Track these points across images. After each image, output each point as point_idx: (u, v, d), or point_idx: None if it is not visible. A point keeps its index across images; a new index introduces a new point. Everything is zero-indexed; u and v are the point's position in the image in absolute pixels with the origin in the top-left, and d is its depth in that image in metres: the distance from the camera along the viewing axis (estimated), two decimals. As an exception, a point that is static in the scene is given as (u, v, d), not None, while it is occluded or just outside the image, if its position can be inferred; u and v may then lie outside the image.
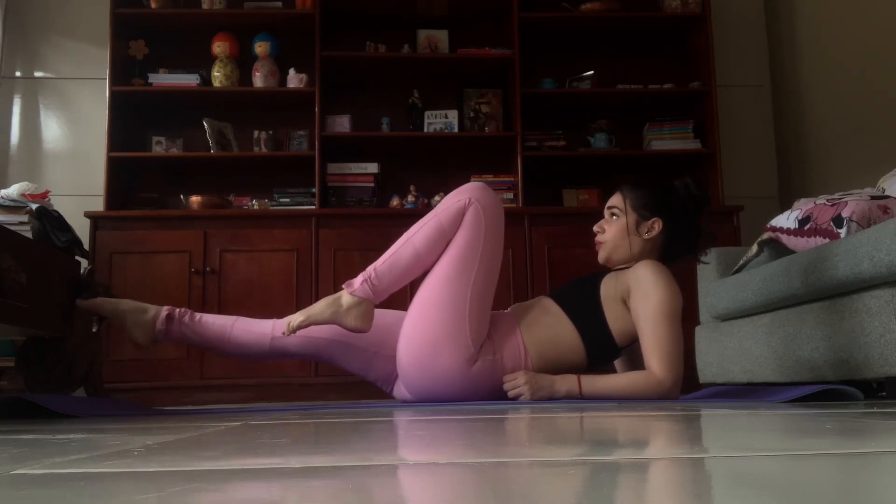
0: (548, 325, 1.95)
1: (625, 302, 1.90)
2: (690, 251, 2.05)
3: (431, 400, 1.94)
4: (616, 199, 2.04)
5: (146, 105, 3.89)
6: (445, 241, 1.90)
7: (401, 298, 2.10)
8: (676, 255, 2.03)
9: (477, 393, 1.91)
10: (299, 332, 1.92)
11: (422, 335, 1.88)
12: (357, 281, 1.87)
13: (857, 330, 1.86)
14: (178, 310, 1.99)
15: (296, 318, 1.86)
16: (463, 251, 1.88)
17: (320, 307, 1.86)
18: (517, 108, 3.74)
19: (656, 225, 1.97)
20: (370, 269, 1.88)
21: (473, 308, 1.87)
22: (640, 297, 1.85)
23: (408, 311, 1.94)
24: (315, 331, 1.94)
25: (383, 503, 0.48)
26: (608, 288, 1.93)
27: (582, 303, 1.95)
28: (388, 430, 1.07)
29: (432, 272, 1.91)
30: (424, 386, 1.91)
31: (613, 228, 2.01)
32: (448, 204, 1.91)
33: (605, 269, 2.05)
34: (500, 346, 1.91)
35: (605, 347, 1.94)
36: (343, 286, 1.88)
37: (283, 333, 1.89)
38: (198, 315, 1.99)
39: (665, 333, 1.81)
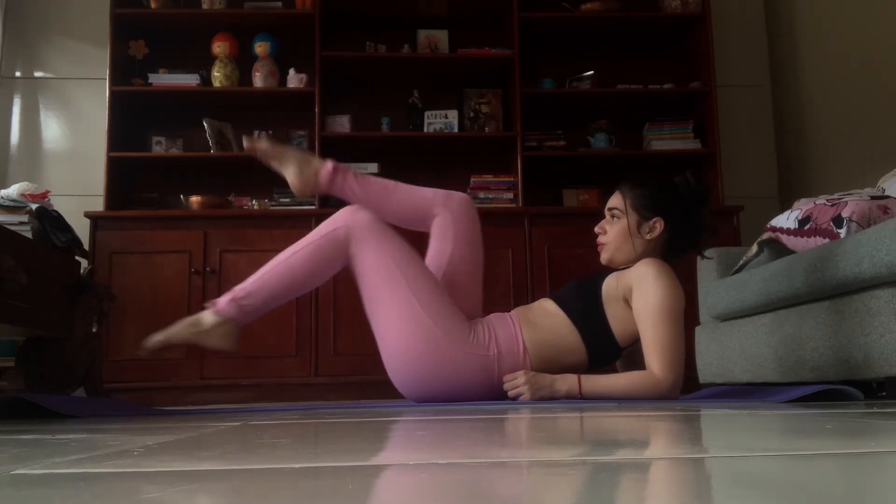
0: (548, 327, 1.94)
1: (627, 301, 1.90)
2: (693, 248, 2.05)
3: (431, 399, 1.94)
4: (616, 200, 2.03)
5: (146, 105, 3.89)
6: (326, 266, 1.89)
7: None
8: (679, 253, 2.02)
9: (476, 390, 1.91)
10: None
11: (400, 353, 1.89)
12: (222, 299, 1.85)
13: (857, 330, 1.86)
14: (342, 165, 2.03)
15: (155, 336, 1.83)
16: (373, 268, 1.89)
17: (179, 327, 1.84)
18: (517, 108, 3.74)
19: (658, 225, 1.97)
20: (238, 287, 1.87)
21: (426, 304, 1.87)
22: (641, 296, 1.85)
23: (379, 344, 1.94)
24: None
25: (383, 503, 0.47)
26: (610, 288, 1.93)
27: (583, 304, 1.95)
28: (388, 431, 1.07)
29: (367, 299, 1.92)
30: (424, 389, 1.92)
31: (615, 230, 2.00)
32: (322, 231, 1.91)
33: (605, 270, 2.04)
34: (497, 343, 1.91)
35: (606, 348, 1.94)
36: (205, 305, 1.87)
37: (138, 352, 1.87)
38: (361, 174, 2.04)
39: (666, 333, 1.81)
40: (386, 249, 1.89)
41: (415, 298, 1.86)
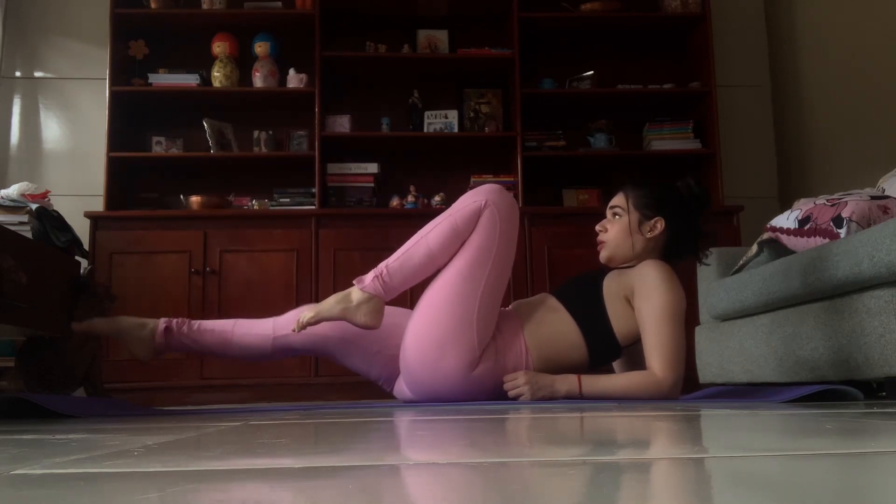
0: (550, 323, 1.94)
1: (628, 301, 1.90)
2: (692, 252, 2.05)
3: (433, 399, 1.94)
4: (619, 199, 2.04)
5: (146, 105, 3.89)
6: (459, 242, 1.90)
7: (401, 298, 2.10)
8: (678, 255, 2.02)
9: (479, 393, 1.91)
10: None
11: (429, 335, 1.88)
12: (368, 277, 1.87)
13: (857, 330, 1.86)
14: (175, 321, 1.99)
15: (305, 314, 1.87)
16: (476, 253, 1.88)
17: (330, 303, 1.86)
18: (517, 108, 3.74)
19: (658, 224, 1.97)
20: (382, 265, 1.88)
21: (482, 311, 1.87)
22: (643, 297, 1.85)
23: (415, 309, 1.94)
24: (319, 327, 1.94)
25: (384, 503, 0.47)
26: (610, 286, 1.93)
27: (584, 300, 1.95)
28: (388, 431, 1.07)
29: (443, 273, 1.91)
30: (427, 385, 1.91)
31: (616, 228, 2.01)
32: (464, 204, 1.91)
33: (604, 268, 2.04)
34: (501, 346, 1.91)
35: (607, 346, 1.94)
36: (354, 282, 1.89)
37: (294, 330, 1.89)
38: (196, 323, 2.00)
39: (667, 334, 1.81)
40: (495, 243, 1.88)
41: (478, 300, 1.86)
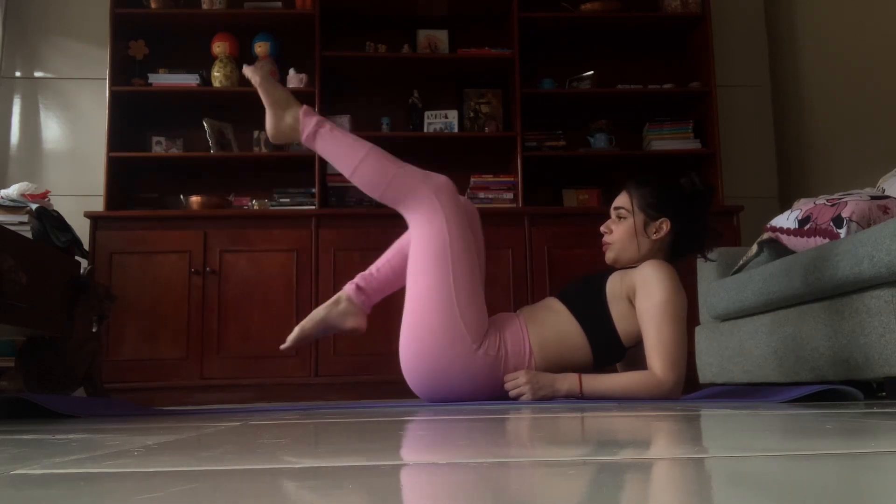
0: (553, 324, 1.94)
1: (630, 301, 1.90)
2: (697, 250, 2.05)
3: (436, 399, 1.94)
4: (622, 199, 2.03)
5: (146, 105, 3.89)
6: (378, 191, 2.00)
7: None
8: (684, 254, 2.03)
9: (480, 390, 1.91)
10: None
11: (418, 337, 1.88)
12: (313, 120, 2.00)
13: (857, 330, 1.86)
14: (356, 281, 2.06)
15: (259, 71, 2.08)
16: (430, 245, 1.90)
17: (279, 98, 2.05)
18: (517, 108, 3.74)
19: (664, 225, 1.97)
20: (330, 121, 2.03)
21: (462, 300, 1.87)
22: (644, 297, 1.85)
23: (402, 321, 1.95)
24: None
25: (384, 503, 0.47)
26: (614, 287, 1.93)
27: (588, 302, 1.95)
28: (388, 431, 1.07)
29: (409, 276, 1.94)
30: (430, 385, 1.92)
31: (621, 229, 2.00)
32: (411, 176, 2.00)
33: (610, 268, 2.04)
34: (505, 343, 1.91)
35: (610, 347, 1.94)
36: (301, 109, 2.02)
37: (245, 74, 2.13)
38: (370, 270, 2.08)
39: (668, 334, 1.81)
40: (445, 234, 1.90)
41: (453, 289, 1.87)
